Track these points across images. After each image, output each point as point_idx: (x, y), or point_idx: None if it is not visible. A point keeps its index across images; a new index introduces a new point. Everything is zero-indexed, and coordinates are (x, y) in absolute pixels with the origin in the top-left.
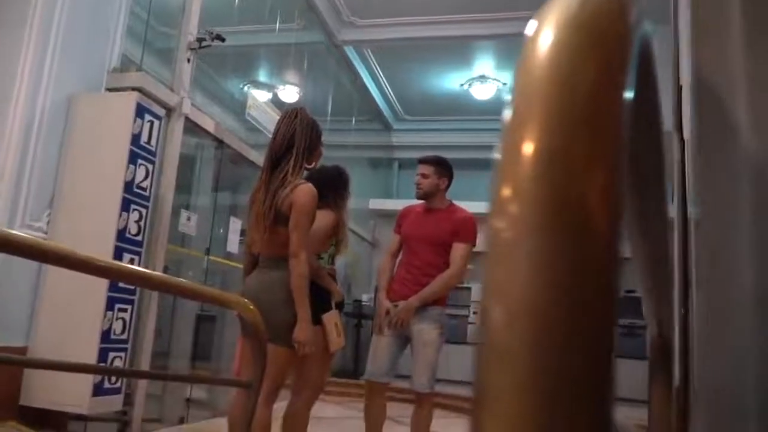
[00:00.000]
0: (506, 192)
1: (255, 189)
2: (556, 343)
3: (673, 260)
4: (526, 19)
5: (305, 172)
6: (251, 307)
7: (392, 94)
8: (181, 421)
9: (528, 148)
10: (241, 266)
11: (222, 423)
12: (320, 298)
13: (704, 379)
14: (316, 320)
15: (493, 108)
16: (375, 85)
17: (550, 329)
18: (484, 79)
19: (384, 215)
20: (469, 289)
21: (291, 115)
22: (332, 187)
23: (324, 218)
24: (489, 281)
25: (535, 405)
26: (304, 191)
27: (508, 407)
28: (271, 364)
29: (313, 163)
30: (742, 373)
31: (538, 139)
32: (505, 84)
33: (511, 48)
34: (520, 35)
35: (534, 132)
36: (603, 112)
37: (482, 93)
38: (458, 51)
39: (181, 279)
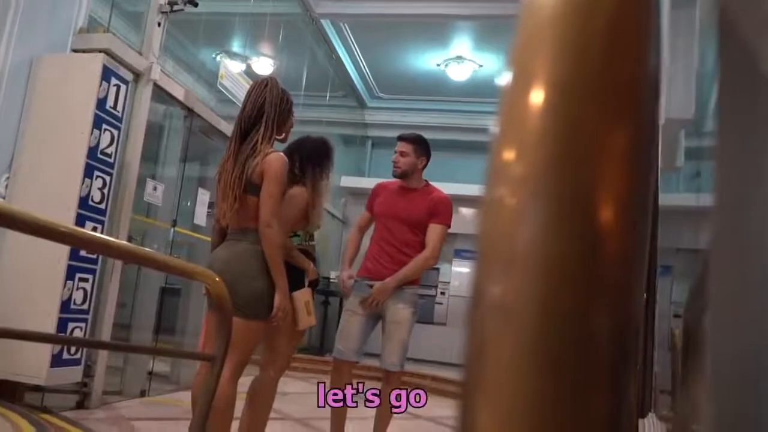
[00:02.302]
0: (511, 121)
1: (223, 160)
2: (569, 304)
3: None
4: (505, 1)
5: (275, 143)
6: (217, 278)
7: (368, 70)
8: (143, 394)
9: (536, 80)
10: (208, 239)
11: (184, 396)
12: (292, 277)
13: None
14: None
15: (469, 89)
16: (351, 60)
17: (563, 284)
18: (461, 59)
19: (355, 193)
20: (437, 269)
21: (261, 84)
22: (316, 156)
23: (300, 194)
24: (486, 226)
25: (538, 375)
26: (275, 159)
27: (506, 377)
28: (239, 338)
29: (284, 135)
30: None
31: (548, 70)
32: (481, 66)
33: (489, 29)
34: (499, 17)
35: (542, 62)
36: (632, 34)
37: (458, 74)
38: (436, 30)
39: (146, 248)
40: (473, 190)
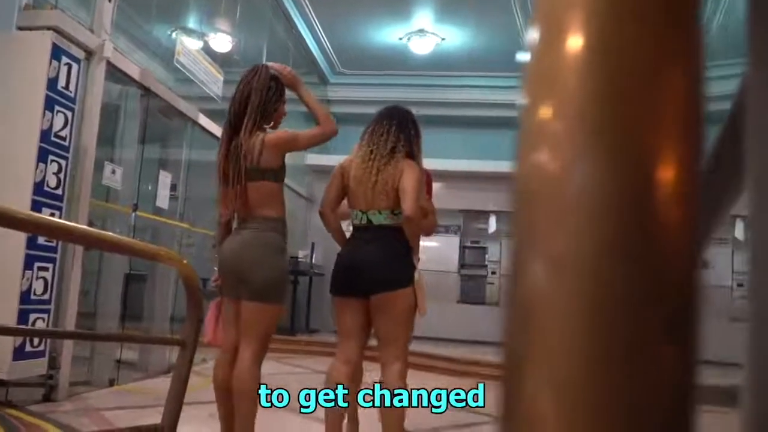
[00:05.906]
0: (540, 97)
1: (219, 156)
2: (627, 250)
3: None
4: None
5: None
6: (184, 260)
7: (329, 46)
8: (112, 383)
9: (568, 36)
10: (171, 222)
11: (154, 384)
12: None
13: None
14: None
15: (432, 63)
16: (311, 36)
17: (608, 286)
18: (423, 33)
19: (320, 170)
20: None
21: (250, 72)
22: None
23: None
24: (522, 226)
25: (594, 333)
26: (273, 134)
27: (558, 340)
28: (256, 323)
29: (272, 123)
30: None
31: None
32: (444, 39)
33: (451, 2)
34: None
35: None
36: None
37: (421, 47)
38: (397, 3)
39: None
40: (437, 164)
